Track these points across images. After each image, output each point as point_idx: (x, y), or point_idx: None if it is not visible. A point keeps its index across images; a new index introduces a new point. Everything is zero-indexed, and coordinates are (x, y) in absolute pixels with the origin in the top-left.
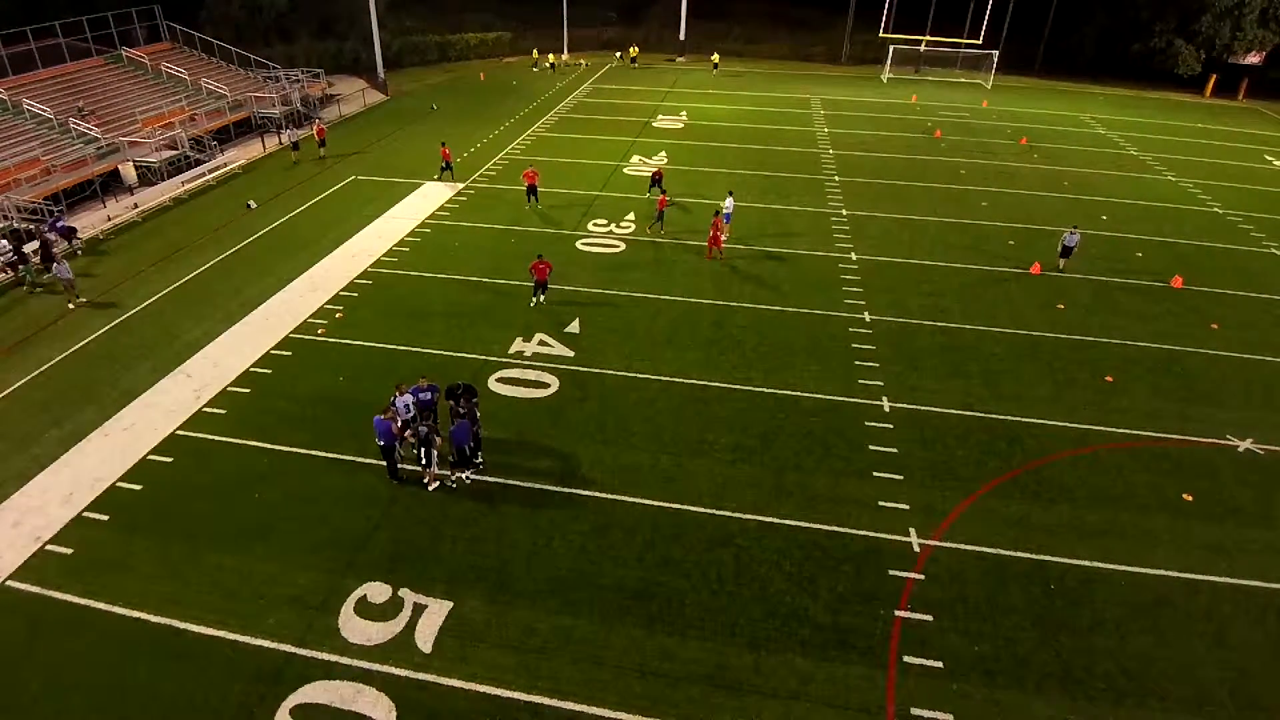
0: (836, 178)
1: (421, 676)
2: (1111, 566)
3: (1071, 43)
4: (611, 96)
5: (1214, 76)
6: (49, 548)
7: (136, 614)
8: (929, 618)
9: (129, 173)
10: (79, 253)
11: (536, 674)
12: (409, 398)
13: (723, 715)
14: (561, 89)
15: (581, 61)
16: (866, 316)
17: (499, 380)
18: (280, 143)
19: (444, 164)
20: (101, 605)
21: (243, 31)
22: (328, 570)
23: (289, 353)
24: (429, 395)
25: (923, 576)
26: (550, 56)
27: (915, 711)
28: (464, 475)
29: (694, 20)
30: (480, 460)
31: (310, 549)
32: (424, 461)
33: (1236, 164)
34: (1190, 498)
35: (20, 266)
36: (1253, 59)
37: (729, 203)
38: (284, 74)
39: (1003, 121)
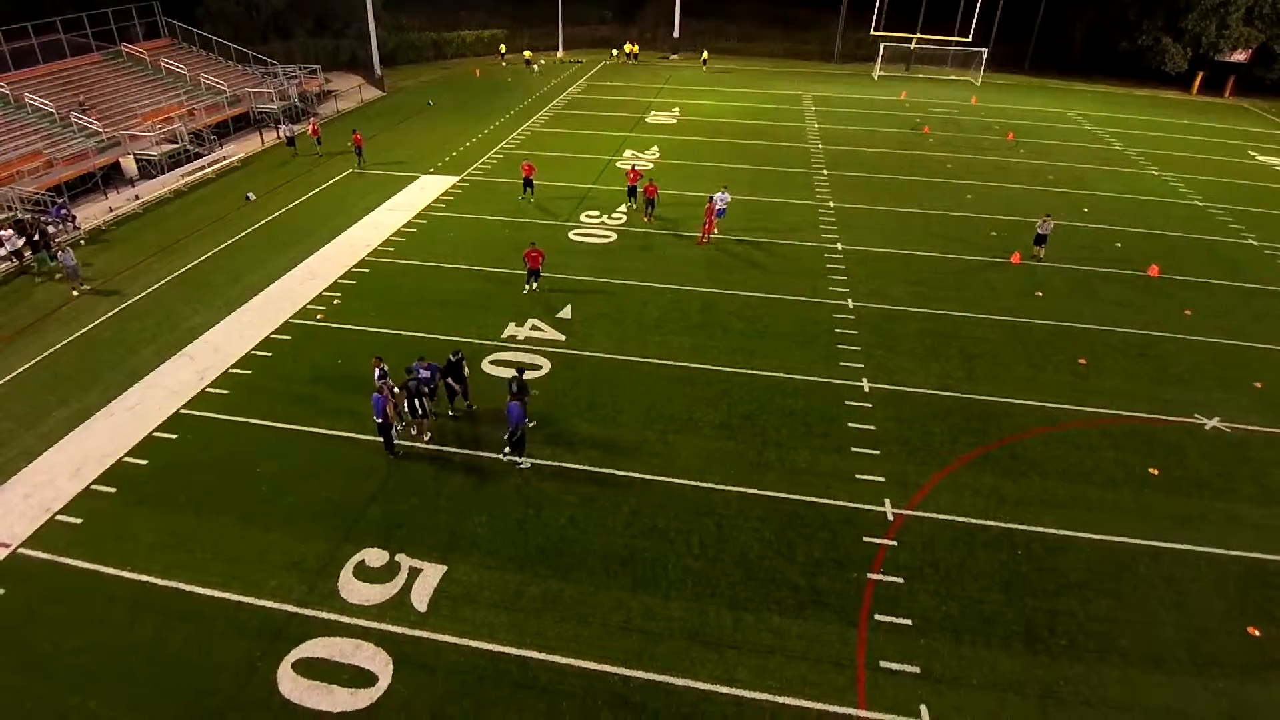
0: (825, 172)
1: (417, 633)
2: (1077, 535)
3: (1060, 40)
4: (606, 93)
5: (1201, 74)
6: (59, 518)
7: (144, 578)
8: (900, 580)
9: (130, 166)
10: (82, 242)
11: (525, 631)
12: (385, 367)
13: (702, 668)
14: (556, 85)
15: (543, 61)
16: (850, 303)
17: (492, 362)
18: (278, 137)
19: (355, 149)
20: (110, 570)
21: (240, 28)
22: (327, 538)
23: (288, 337)
24: (428, 374)
25: (895, 543)
26: (526, 53)
27: (884, 664)
28: (519, 460)
29: (688, 18)
30: (470, 403)
31: (310, 519)
32: (419, 412)
33: (1220, 159)
34: (1156, 472)
35: (30, 254)
36: (1239, 56)
37: (724, 195)
38: (282, 70)
39: (991, 118)
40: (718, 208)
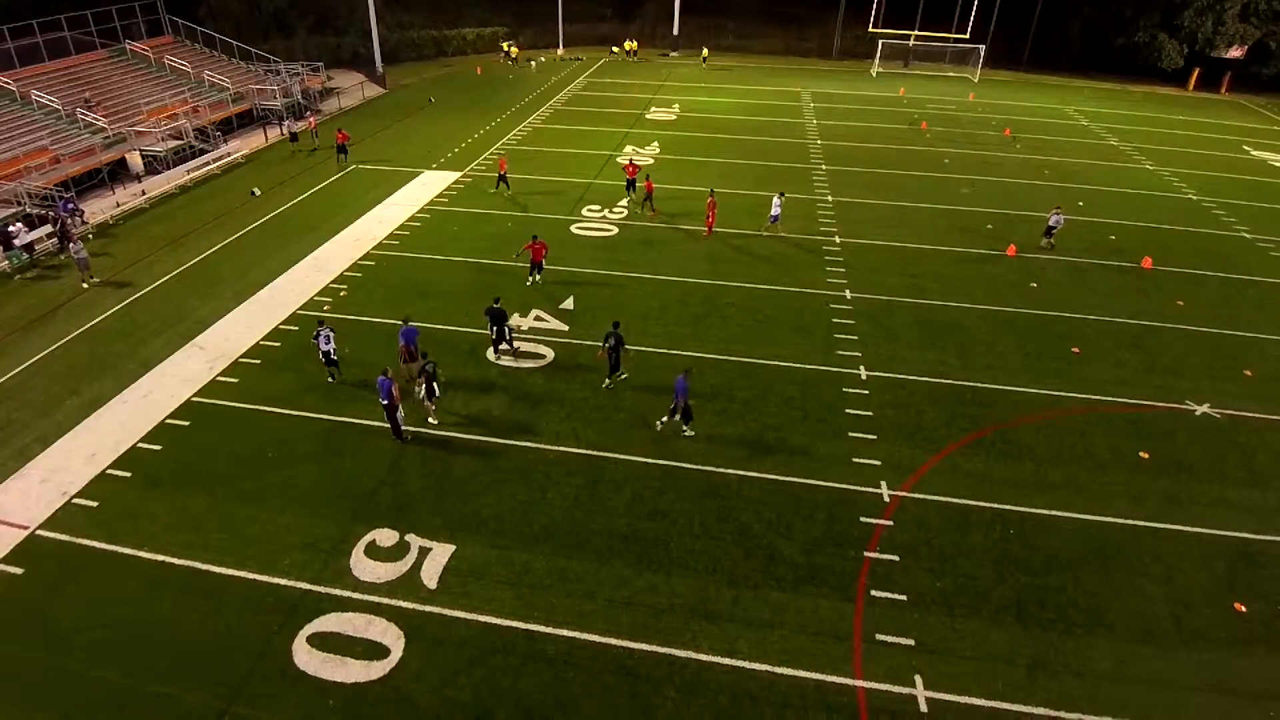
0: (824, 167)
1: (427, 609)
2: (1068, 515)
3: (1057, 37)
4: (606, 90)
5: (1197, 70)
6: (75, 501)
7: (160, 557)
8: (895, 558)
9: (136, 161)
10: (90, 236)
11: (533, 606)
12: (330, 332)
13: (704, 640)
14: (557, 82)
15: (542, 59)
16: (848, 294)
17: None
18: (282, 134)
19: (339, 147)
20: (127, 550)
21: (242, 26)
22: (338, 519)
23: (296, 328)
24: (411, 335)
25: (891, 523)
26: (514, 50)
27: (880, 637)
28: (685, 429)
29: (687, 16)
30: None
31: (321, 501)
32: (426, 395)
33: (1214, 154)
34: (1147, 455)
35: (9, 250)
36: (1235, 53)
37: (779, 200)
38: (284, 67)
39: (988, 114)
40: (773, 212)
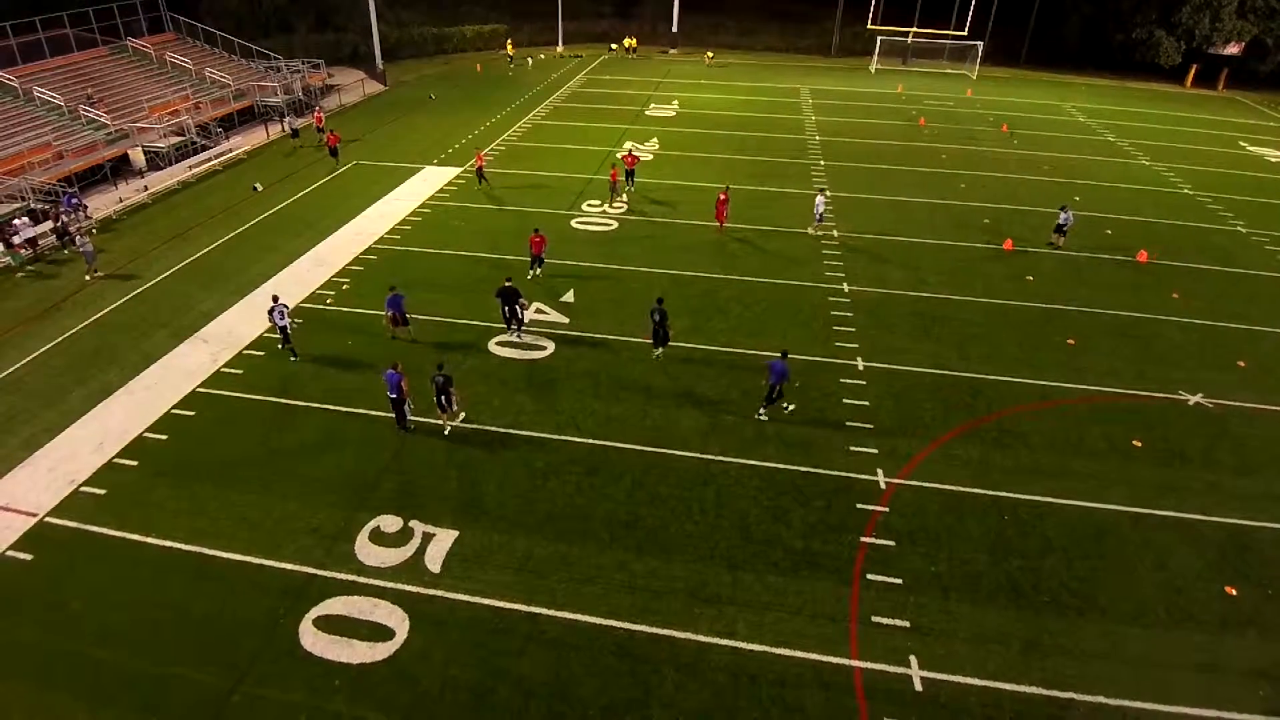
0: (822, 162)
1: (431, 592)
2: (1062, 502)
3: (1055, 34)
4: (606, 86)
5: (1195, 67)
6: (83, 489)
7: (168, 543)
8: (891, 543)
9: (138, 157)
10: (94, 231)
11: (535, 590)
12: (284, 307)
13: (703, 622)
14: (556, 79)
15: (542, 55)
16: (845, 288)
17: (498, 343)
18: (283, 130)
19: (330, 149)
20: (136, 536)
21: (243, 23)
22: (343, 506)
23: (300, 320)
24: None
25: (887, 509)
26: (509, 48)
27: (876, 619)
28: (785, 405)
29: (687, 13)
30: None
31: (326, 489)
32: (442, 407)
33: (1211, 150)
34: (1140, 444)
35: (10, 245)
36: (1232, 49)
37: (820, 200)
38: (285, 64)
39: (986, 110)
40: (817, 211)
